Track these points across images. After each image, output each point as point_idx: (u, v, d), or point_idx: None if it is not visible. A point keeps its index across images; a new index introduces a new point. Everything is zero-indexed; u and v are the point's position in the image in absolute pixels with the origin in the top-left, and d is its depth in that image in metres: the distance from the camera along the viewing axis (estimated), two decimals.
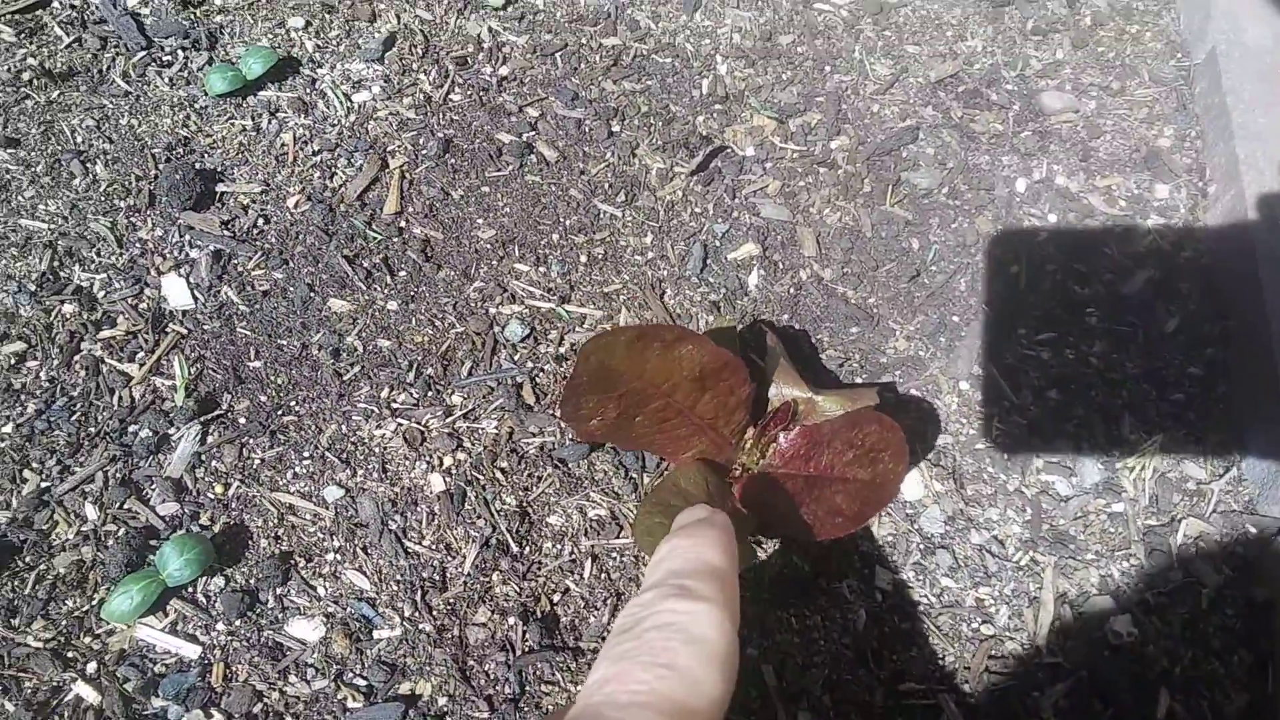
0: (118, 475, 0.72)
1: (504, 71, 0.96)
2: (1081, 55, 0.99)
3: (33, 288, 0.79)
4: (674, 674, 0.38)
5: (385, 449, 0.74)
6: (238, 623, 0.67)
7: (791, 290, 0.83)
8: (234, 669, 0.66)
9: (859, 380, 0.79)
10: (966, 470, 0.75)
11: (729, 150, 0.92)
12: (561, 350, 0.79)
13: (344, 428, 0.75)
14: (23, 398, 0.75)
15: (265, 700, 0.64)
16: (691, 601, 0.42)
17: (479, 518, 0.71)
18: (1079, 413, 0.77)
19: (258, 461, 0.73)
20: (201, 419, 0.74)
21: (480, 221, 0.86)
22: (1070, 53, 1.00)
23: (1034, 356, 0.79)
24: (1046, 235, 0.86)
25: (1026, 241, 0.86)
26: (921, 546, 0.72)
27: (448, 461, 0.74)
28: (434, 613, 0.68)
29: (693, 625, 0.41)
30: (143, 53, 0.92)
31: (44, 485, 0.71)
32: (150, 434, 0.73)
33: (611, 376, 0.60)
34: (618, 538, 0.71)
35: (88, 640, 0.66)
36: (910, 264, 0.84)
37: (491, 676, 0.65)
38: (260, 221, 0.84)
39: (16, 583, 0.68)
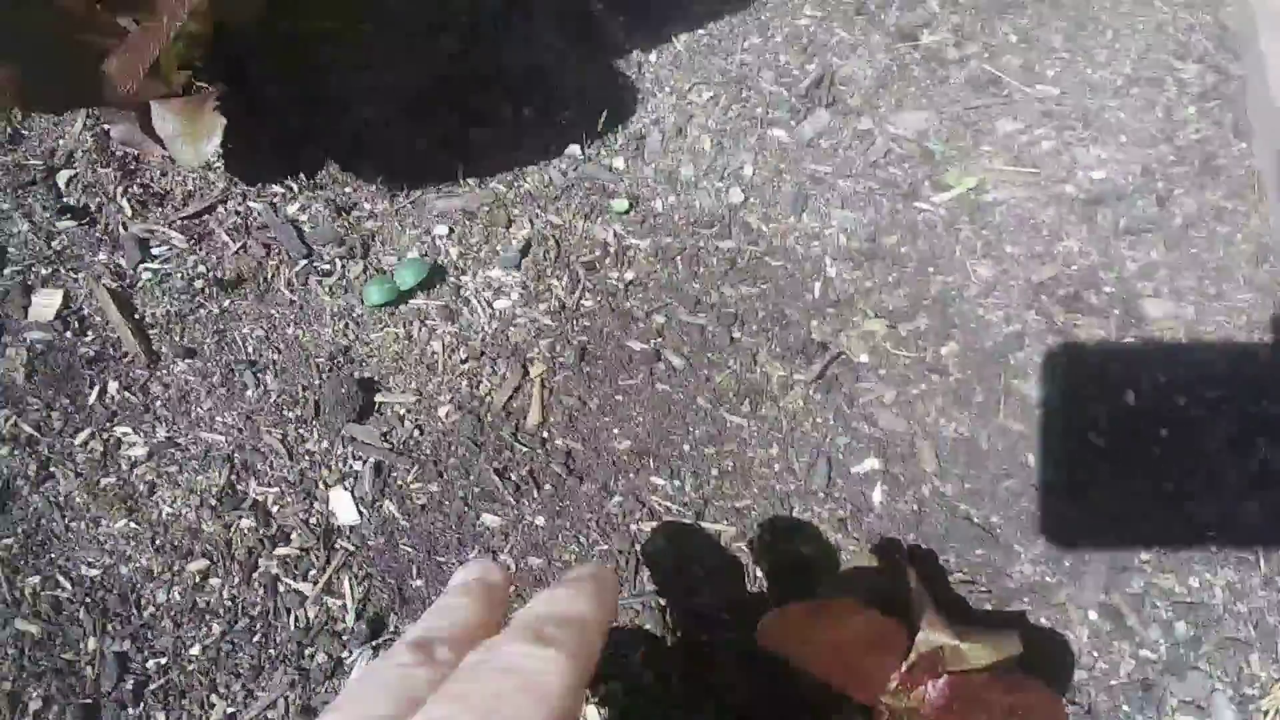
0: (297, 702, 0.77)
1: (630, 276, 1.02)
2: (1176, 256, 1.04)
3: (214, 503, 0.85)
4: None
5: None
6: None
7: (915, 508, 0.87)
8: None
9: (988, 607, 0.82)
10: (1102, 708, 0.77)
11: (844, 356, 0.97)
12: None
13: None
14: (208, 618, 0.80)
15: None
16: (541, 646, 0.40)
17: None
18: (1207, 650, 0.79)
19: None
20: (373, 643, 0.79)
21: (616, 431, 0.91)
22: (1164, 254, 1.04)
23: (1157, 585, 0.83)
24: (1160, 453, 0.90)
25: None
26: None
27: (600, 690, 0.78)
28: None
29: (534, 671, 0.39)
30: (304, 260, 0.99)
31: (229, 711, 0.76)
32: (325, 658, 0.78)
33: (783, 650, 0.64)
34: None
35: None
36: (1029, 481, 0.88)
37: None
38: (416, 432, 0.90)
39: None
